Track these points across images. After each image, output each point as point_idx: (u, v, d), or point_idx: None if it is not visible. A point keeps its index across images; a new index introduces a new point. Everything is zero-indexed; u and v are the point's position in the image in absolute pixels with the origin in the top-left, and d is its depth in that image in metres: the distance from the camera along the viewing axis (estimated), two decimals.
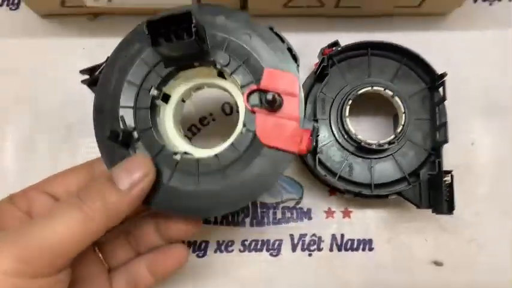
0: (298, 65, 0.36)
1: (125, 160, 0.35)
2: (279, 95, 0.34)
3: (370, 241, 0.52)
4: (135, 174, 0.34)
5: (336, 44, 0.50)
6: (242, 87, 0.36)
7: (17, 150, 0.55)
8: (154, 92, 0.37)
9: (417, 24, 0.56)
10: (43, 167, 0.54)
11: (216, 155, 0.36)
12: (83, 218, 0.31)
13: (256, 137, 0.35)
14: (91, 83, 0.39)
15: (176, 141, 0.40)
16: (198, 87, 0.43)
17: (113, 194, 0.33)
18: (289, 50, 0.36)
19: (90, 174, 0.41)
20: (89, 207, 0.32)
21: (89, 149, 0.54)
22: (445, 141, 0.45)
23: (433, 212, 0.45)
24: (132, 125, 0.37)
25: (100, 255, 0.41)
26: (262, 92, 0.35)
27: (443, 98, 0.46)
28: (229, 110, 0.55)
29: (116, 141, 0.35)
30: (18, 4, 0.57)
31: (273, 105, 0.34)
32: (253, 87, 0.35)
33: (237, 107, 0.40)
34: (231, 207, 0.36)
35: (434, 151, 0.47)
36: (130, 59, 0.37)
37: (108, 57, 0.39)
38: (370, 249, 0.52)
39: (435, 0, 0.52)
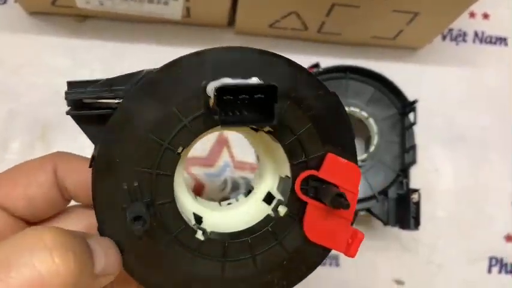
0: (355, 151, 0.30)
1: (101, 239, 0.26)
2: (344, 195, 0.27)
3: (336, 257, 0.54)
4: (111, 264, 0.25)
5: (317, 65, 0.53)
6: (293, 165, 0.29)
7: None
8: (179, 150, 0.28)
9: (391, 55, 0.60)
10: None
11: (249, 242, 0.29)
12: None
13: (300, 226, 0.29)
14: (81, 118, 0.27)
15: (183, 195, 0.32)
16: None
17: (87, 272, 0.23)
18: (351, 127, 0.30)
19: (52, 180, 0.30)
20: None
21: (64, 149, 0.54)
22: (414, 162, 0.48)
23: (400, 228, 0.48)
24: (147, 195, 0.27)
25: None
26: (318, 180, 0.29)
27: (413, 123, 0.50)
28: None
29: (140, 231, 0.25)
30: None
31: (338, 208, 0.27)
32: (310, 172, 0.29)
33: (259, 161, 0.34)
34: None
35: (403, 172, 0.50)
36: (158, 104, 0.26)
37: (111, 85, 0.27)
38: (337, 264, 0.54)
39: (409, 35, 0.56)
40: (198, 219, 0.31)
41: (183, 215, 0.29)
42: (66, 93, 0.27)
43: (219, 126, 0.28)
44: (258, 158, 0.34)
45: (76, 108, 0.27)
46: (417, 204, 0.46)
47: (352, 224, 0.29)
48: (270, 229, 0.29)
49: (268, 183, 0.32)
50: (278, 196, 0.31)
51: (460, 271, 0.55)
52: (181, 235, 0.28)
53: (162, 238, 0.28)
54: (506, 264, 0.56)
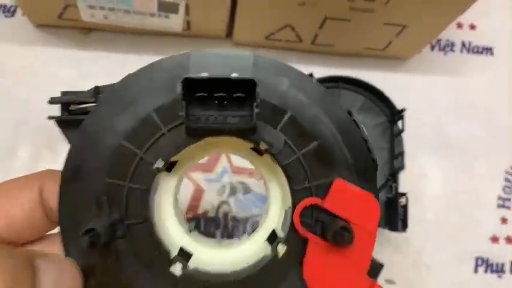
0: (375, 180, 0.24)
1: (59, 259, 0.24)
2: (349, 228, 0.23)
3: None
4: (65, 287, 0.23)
5: (311, 75, 0.55)
6: (294, 191, 0.24)
7: None
8: (159, 163, 0.24)
9: (381, 65, 0.63)
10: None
11: (236, 285, 0.25)
12: None
13: (300, 268, 0.24)
14: (64, 123, 0.26)
15: (171, 227, 0.27)
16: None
17: None
18: (369, 150, 0.25)
19: (36, 199, 0.27)
20: None
21: None
22: (402, 167, 0.51)
23: (389, 230, 0.50)
24: (117, 211, 0.24)
25: None
26: (324, 211, 0.24)
27: (402, 130, 0.52)
28: None
29: (93, 246, 0.21)
30: (14, 12, 0.59)
31: (340, 244, 0.23)
32: (312, 200, 0.24)
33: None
34: None
35: (392, 177, 0.53)
36: (134, 109, 0.24)
37: (98, 93, 0.25)
38: None
39: (398, 46, 0.59)
40: (187, 256, 0.26)
41: (161, 242, 0.25)
42: (51, 98, 0.25)
43: (213, 144, 0.25)
44: (267, 192, 0.30)
45: (61, 114, 0.26)
46: (405, 207, 0.49)
47: (374, 276, 0.24)
48: (265, 272, 0.24)
49: (274, 220, 0.28)
50: (281, 234, 0.26)
51: (448, 271, 0.58)
52: (154, 264, 0.24)
53: (130, 265, 0.24)
54: (491, 264, 0.58)
